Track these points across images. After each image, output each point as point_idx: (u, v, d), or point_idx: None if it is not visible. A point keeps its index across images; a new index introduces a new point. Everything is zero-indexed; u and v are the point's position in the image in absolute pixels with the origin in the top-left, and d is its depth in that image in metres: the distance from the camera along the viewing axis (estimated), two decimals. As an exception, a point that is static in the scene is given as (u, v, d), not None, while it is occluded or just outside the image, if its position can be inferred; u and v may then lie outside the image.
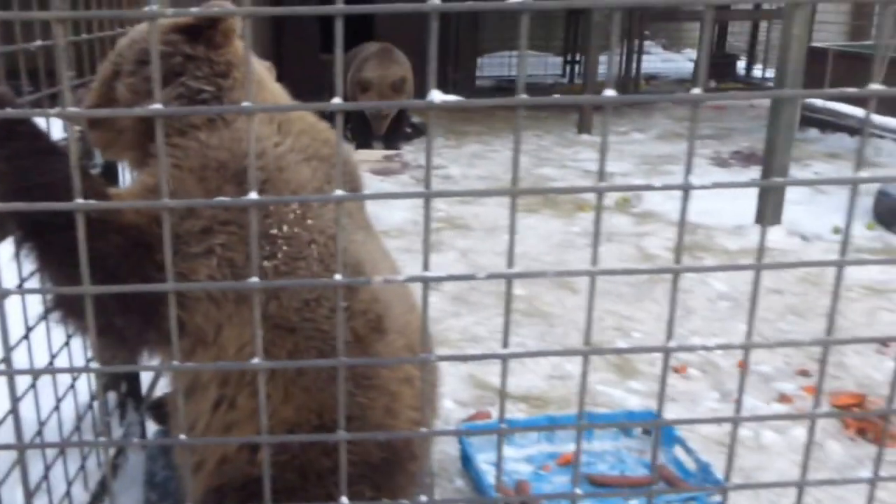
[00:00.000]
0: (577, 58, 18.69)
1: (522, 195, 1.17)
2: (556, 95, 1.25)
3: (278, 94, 3.03)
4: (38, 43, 2.73)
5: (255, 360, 1.33)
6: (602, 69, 13.96)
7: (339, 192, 1.23)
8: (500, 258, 7.12)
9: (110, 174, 3.56)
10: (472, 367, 5.00)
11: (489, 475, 3.78)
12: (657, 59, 20.98)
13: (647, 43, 18.91)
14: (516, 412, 4.52)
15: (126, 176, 3.65)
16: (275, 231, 2.60)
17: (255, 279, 1.27)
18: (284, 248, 2.61)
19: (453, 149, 11.75)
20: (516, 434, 4.12)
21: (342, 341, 1.36)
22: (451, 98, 1.17)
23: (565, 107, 14.20)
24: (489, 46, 19.00)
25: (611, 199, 8.75)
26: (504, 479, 3.91)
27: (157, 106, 1.20)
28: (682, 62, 21.34)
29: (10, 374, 1.32)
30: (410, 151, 11.61)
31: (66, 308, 2.56)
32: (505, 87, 17.88)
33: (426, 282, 1.27)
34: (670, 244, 7.50)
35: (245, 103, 1.19)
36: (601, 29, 13.17)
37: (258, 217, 2.56)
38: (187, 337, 2.58)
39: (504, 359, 1.34)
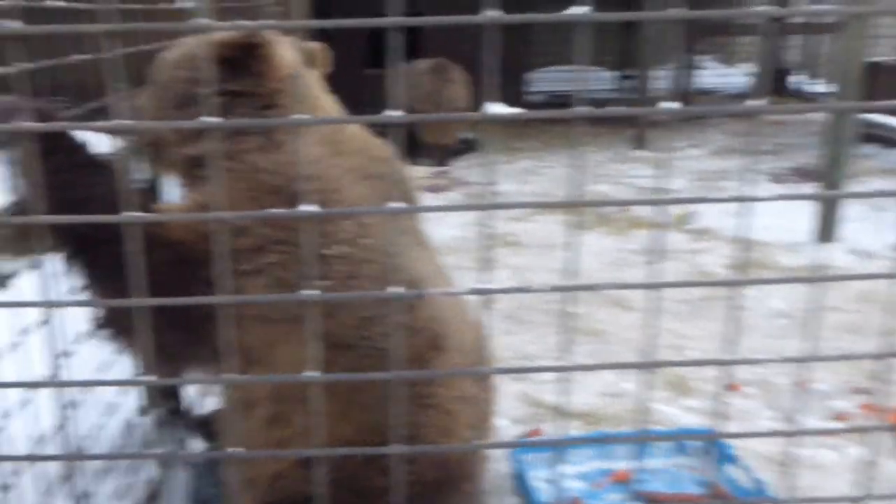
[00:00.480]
0: (631, 73, 18.62)
1: (582, 208, 1.15)
2: (618, 107, 1.23)
3: (332, 111, 3.01)
4: (82, 56, 2.74)
5: (310, 374, 1.32)
6: (656, 84, 13.92)
7: (393, 205, 1.22)
8: (553, 276, 7.09)
9: (154, 189, 3.56)
10: (526, 385, 4.97)
11: (543, 492, 3.75)
12: (711, 74, 20.86)
13: (701, 57, 18.82)
14: (570, 429, 4.49)
15: (168, 193, 3.67)
16: (328, 251, 2.58)
17: (310, 292, 1.26)
18: (339, 267, 2.58)
19: (505, 165, 11.73)
20: (570, 451, 4.10)
21: (398, 355, 1.35)
22: (510, 111, 1.16)
23: (620, 122, 14.17)
24: (539, 61, 18.97)
25: (667, 215, 8.70)
26: (559, 490, 3.88)
27: (210, 119, 1.20)
28: (736, 77, 21.20)
29: (61, 385, 1.33)
30: (461, 167, 11.58)
31: (113, 324, 2.55)
32: (556, 102, 17.83)
33: (484, 294, 1.26)
34: (727, 261, 7.44)
35: (295, 116, 1.18)
36: (655, 43, 13.12)
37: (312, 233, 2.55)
38: (238, 356, 2.56)
39: (564, 371, 1.33)
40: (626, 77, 18.97)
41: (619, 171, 11.34)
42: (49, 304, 1.28)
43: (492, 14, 1.14)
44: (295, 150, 2.63)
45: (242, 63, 2.70)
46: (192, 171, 2.77)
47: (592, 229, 8.44)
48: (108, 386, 3.34)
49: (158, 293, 2.40)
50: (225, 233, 2.49)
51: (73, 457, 1.37)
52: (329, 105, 3.03)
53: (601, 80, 19.07)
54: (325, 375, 2.25)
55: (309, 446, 2.56)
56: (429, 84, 11.42)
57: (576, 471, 4.10)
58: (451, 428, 2.68)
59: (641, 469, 4.11)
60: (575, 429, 4.52)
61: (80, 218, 1.15)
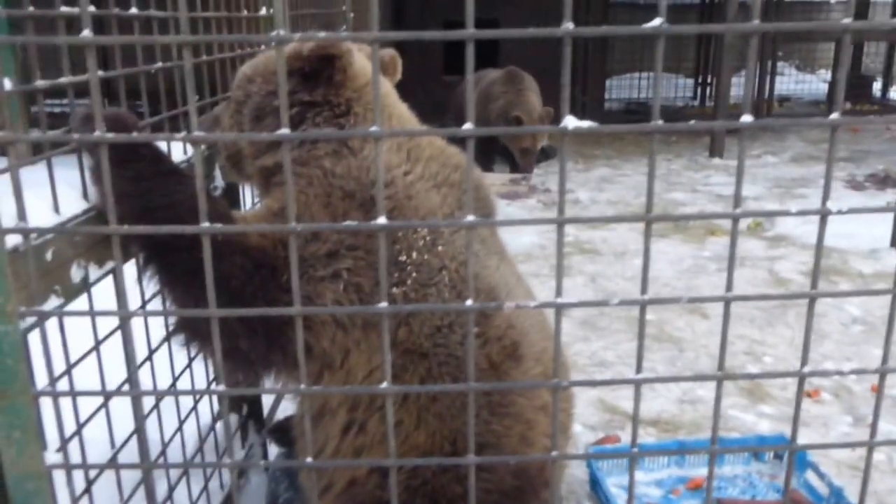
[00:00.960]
0: (709, 80, 18.44)
1: (656, 221, 1.18)
2: (692, 122, 1.25)
3: (406, 119, 3.01)
4: (159, 65, 2.79)
5: (384, 385, 1.34)
6: (734, 91, 13.80)
7: (470, 218, 1.24)
8: (630, 283, 7.08)
9: (231, 195, 3.62)
10: (601, 391, 4.98)
11: (619, 498, 3.77)
12: (790, 81, 20.61)
13: (780, 64, 18.60)
14: (646, 436, 4.50)
15: (247, 197, 3.71)
16: (404, 258, 2.57)
17: (384, 304, 1.28)
18: (414, 274, 2.57)
19: (581, 173, 11.72)
20: (646, 458, 4.10)
21: (472, 366, 1.36)
22: (585, 124, 1.17)
23: (697, 130, 14.06)
24: (618, 68, 18.86)
25: (743, 223, 8.62)
26: (634, 503, 3.90)
27: (285, 130, 1.23)
28: (816, 83, 20.92)
29: (137, 394, 1.36)
30: (538, 175, 11.59)
31: (190, 330, 2.55)
32: (634, 109, 17.72)
33: (559, 308, 1.28)
34: (803, 268, 7.38)
35: (374, 128, 1.20)
36: (734, 51, 13.00)
37: (386, 243, 2.55)
38: (314, 361, 2.58)
39: (637, 384, 1.34)
40: (702, 84, 18.82)
41: (694, 179, 11.28)
42: (126, 314, 1.33)
43: (568, 28, 1.15)
44: (367, 156, 2.65)
45: (319, 73, 2.73)
46: (269, 179, 2.82)
47: (668, 236, 8.41)
48: (182, 395, 3.41)
49: (237, 300, 2.43)
50: (300, 239, 2.49)
51: (150, 465, 1.41)
52: (403, 113, 3.03)
53: (678, 86, 18.92)
54: (398, 386, 2.23)
55: (385, 454, 2.58)
56: (502, 94, 11.44)
57: (651, 478, 4.11)
58: (529, 437, 2.67)
59: (717, 476, 4.10)
60: (651, 436, 4.53)
61: (162, 228, 1.17)
